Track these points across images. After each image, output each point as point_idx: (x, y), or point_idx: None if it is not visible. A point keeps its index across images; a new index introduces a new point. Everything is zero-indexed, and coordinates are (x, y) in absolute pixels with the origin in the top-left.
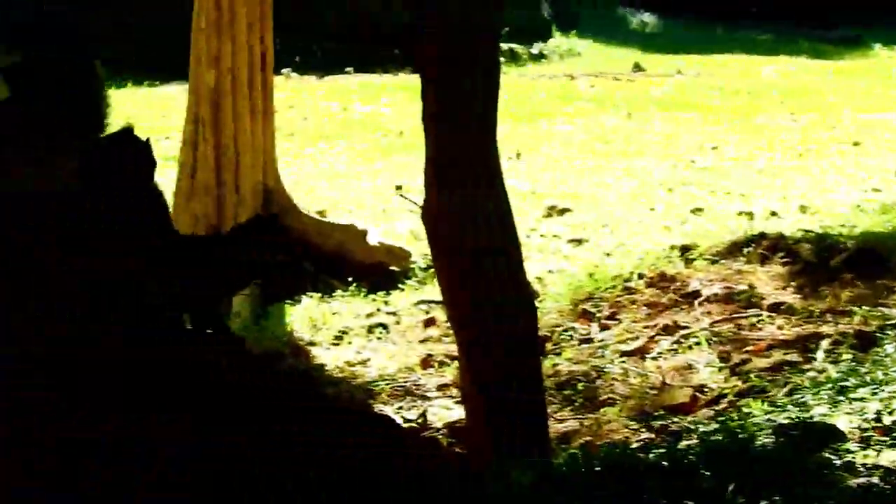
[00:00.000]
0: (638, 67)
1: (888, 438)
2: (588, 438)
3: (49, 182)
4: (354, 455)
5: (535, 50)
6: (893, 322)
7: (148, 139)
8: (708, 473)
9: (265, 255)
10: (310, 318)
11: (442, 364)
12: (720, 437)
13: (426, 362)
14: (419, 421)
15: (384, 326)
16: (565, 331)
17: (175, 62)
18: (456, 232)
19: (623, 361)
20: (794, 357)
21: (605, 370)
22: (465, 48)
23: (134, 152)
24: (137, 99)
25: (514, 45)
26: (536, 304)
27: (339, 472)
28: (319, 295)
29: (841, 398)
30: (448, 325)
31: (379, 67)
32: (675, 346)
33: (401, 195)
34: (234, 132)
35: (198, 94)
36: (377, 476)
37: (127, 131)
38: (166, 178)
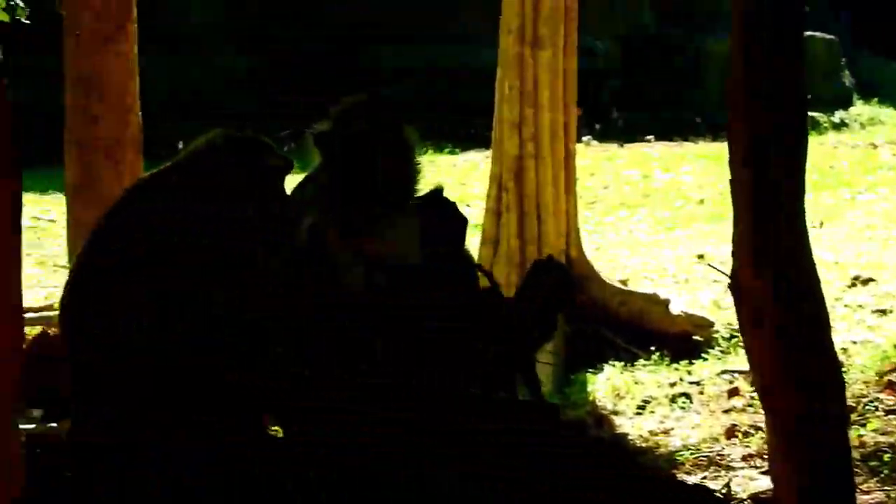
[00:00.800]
0: None
1: None
2: None
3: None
4: None
5: (836, 118)
6: None
7: (454, 202)
8: None
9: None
10: (612, 386)
11: (746, 434)
12: None
13: (730, 432)
14: (724, 491)
15: (687, 396)
16: (871, 402)
17: (474, 130)
18: (764, 302)
19: None
20: None
21: None
22: (777, 121)
23: (445, 214)
24: (438, 166)
25: (814, 114)
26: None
27: None
28: (622, 364)
29: None
30: (752, 394)
31: (679, 136)
32: None
33: (708, 265)
34: (538, 201)
35: (501, 162)
36: None
37: (437, 192)
38: (468, 246)
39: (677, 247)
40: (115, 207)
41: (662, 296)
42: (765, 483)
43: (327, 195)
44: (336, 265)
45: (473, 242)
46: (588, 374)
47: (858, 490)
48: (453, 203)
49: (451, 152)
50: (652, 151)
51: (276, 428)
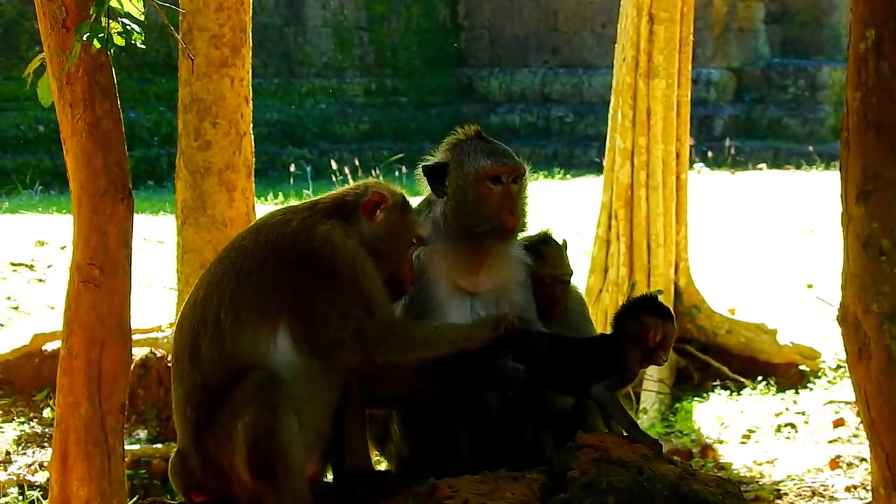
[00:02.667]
0: None
1: None
2: None
3: None
4: None
5: None
6: None
7: (565, 241)
8: None
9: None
10: (718, 415)
11: (850, 465)
12: None
13: (834, 463)
14: None
15: (792, 426)
16: None
17: (586, 157)
18: (872, 337)
19: None
20: None
21: None
22: (892, 155)
23: (553, 253)
24: (549, 191)
25: None
26: None
27: None
28: (728, 393)
29: None
30: (858, 425)
31: (791, 164)
32: None
33: (817, 297)
34: (648, 230)
35: (612, 190)
36: None
37: (546, 236)
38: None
39: (786, 276)
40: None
41: (770, 325)
42: None
43: (437, 228)
44: (439, 297)
45: (582, 270)
46: (694, 403)
47: None
48: (561, 244)
49: (563, 178)
50: (763, 180)
51: None
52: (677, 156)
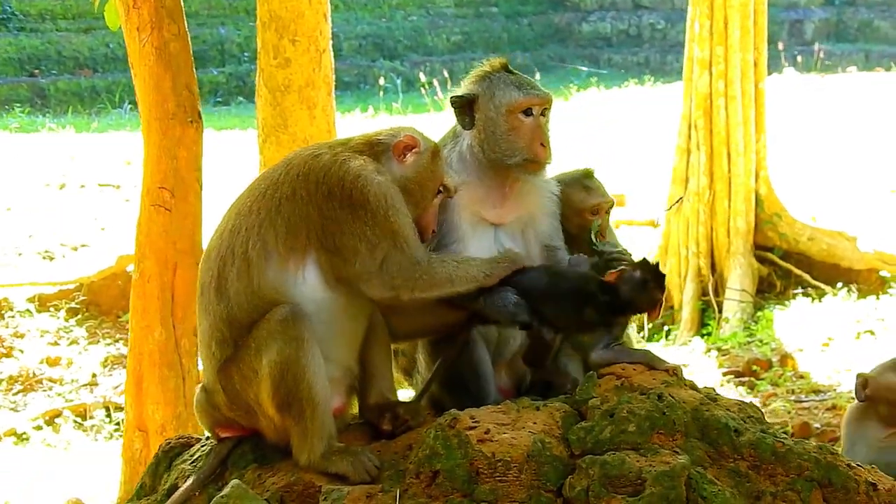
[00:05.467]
0: None
1: None
2: None
3: None
4: None
5: None
6: None
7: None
8: None
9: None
10: (798, 323)
11: None
12: None
13: None
14: None
15: (871, 332)
16: None
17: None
18: None
19: None
20: None
21: None
22: None
23: (599, 184)
24: (640, 98)
25: None
26: None
27: None
28: (809, 300)
29: None
30: None
31: (881, 66)
32: None
33: None
34: (727, 139)
35: (691, 99)
36: None
37: (589, 171)
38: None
39: (870, 182)
40: None
41: (852, 232)
42: None
43: (463, 160)
44: (462, 228)
45: (664, 182)
46: (775, 311)
47: None
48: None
49: (654, 85)
50: (853, 82)
51: None
52: (755, 64)
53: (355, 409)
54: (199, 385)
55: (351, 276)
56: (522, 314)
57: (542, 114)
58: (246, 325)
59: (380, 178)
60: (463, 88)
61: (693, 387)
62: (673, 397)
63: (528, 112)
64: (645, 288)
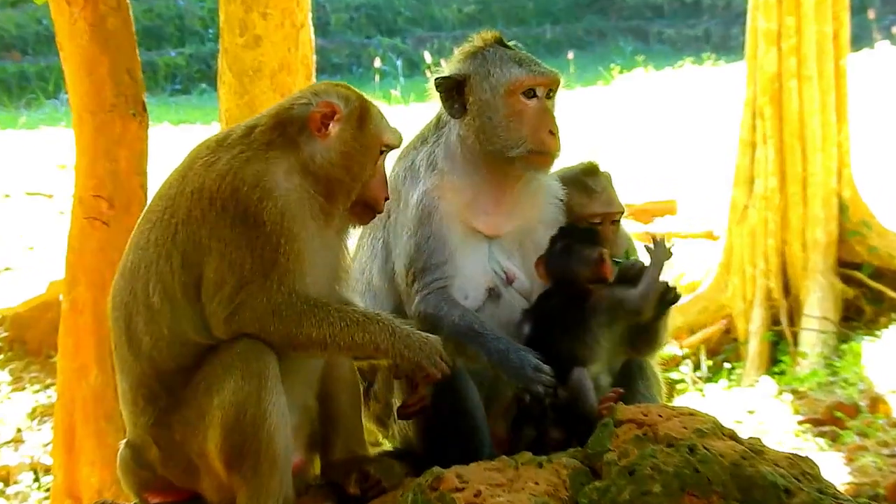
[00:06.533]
0: None
1: None
2: None
3: None
4: None
5: None
6: None
7: (608, 174)
8: None
9: None
10: (891, 359)
11: None
12: None
13: None
14: None
15: None
16: None
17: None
18: None
19: None
20: None
21: None
22: None
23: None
24: (696, 79)
25: None
26: None
27: None
28: None
29: None
30: None
31: None
32: None
33: None
34: (801, 130)
35: (756, 82)
36: None
37: (592, 166)
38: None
39: None
40: None
41: None
42: None
43: (450, 157)
44: (451, 244)
45: (725, 184)
46: (863, 343)
47: None
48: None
49: (715, 63)
50: None
51: None
52: (835, 37)
53: (317, 467)
54: (124, 441)
55: (209, 310)
56: (539, 383)
57: (548, 96)
58: (181, 371)
59: (283, 188)
60: (450, 68)
61: (733, 436)
62: (707, 450)
63: (531, 93)
64: (574, 254)
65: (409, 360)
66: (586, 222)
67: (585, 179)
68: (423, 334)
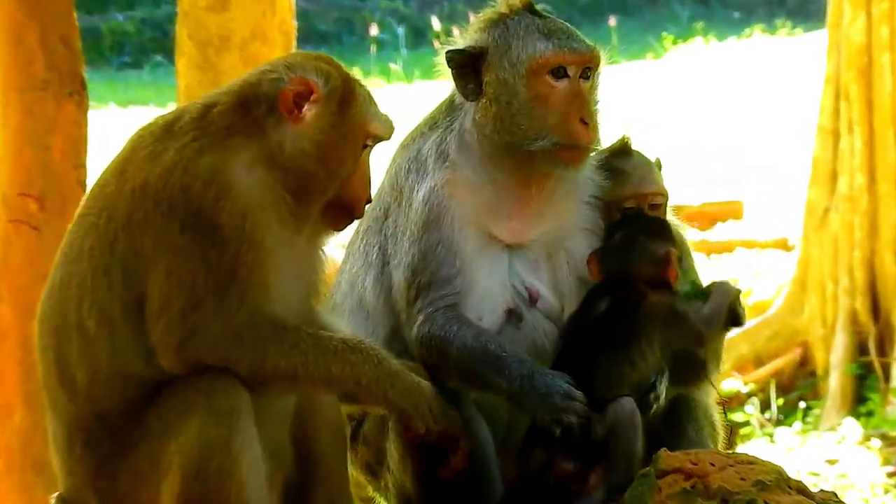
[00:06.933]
0: None
1: None
2: None
3: None
4: None
5: None
6: None
7: (658, 160)
8: None
9: None
10: None
11: None
12: None
13: None
14: None
15: None
16: None
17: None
18: None
19: None
20: None
21: None
22: None
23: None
24: (769, 51)
25: None
26: None
27: None
28: None
29: None
30: None
31: None
32: None
33: None
34: (894, 115)
35: (839, 54)
36: None
37: (623, 145)
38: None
39: None
40: None
41: None
42: None
43: (464, 147)
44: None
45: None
46: None
47: None
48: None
49: (790, 33)
50: None
51: None
52: None
53: None
54: (55, 496)
55: (152, 338)
56: (573, 413)
57: (585, 76)
58: (127, 410)
59: (243, 184)
60: (464, 39)
61: (802, 490)
62: None
63: (560, 73)
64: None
65: (393, 403)
66: (617, 209)
67: (613, 159)
68: (416, 378)
